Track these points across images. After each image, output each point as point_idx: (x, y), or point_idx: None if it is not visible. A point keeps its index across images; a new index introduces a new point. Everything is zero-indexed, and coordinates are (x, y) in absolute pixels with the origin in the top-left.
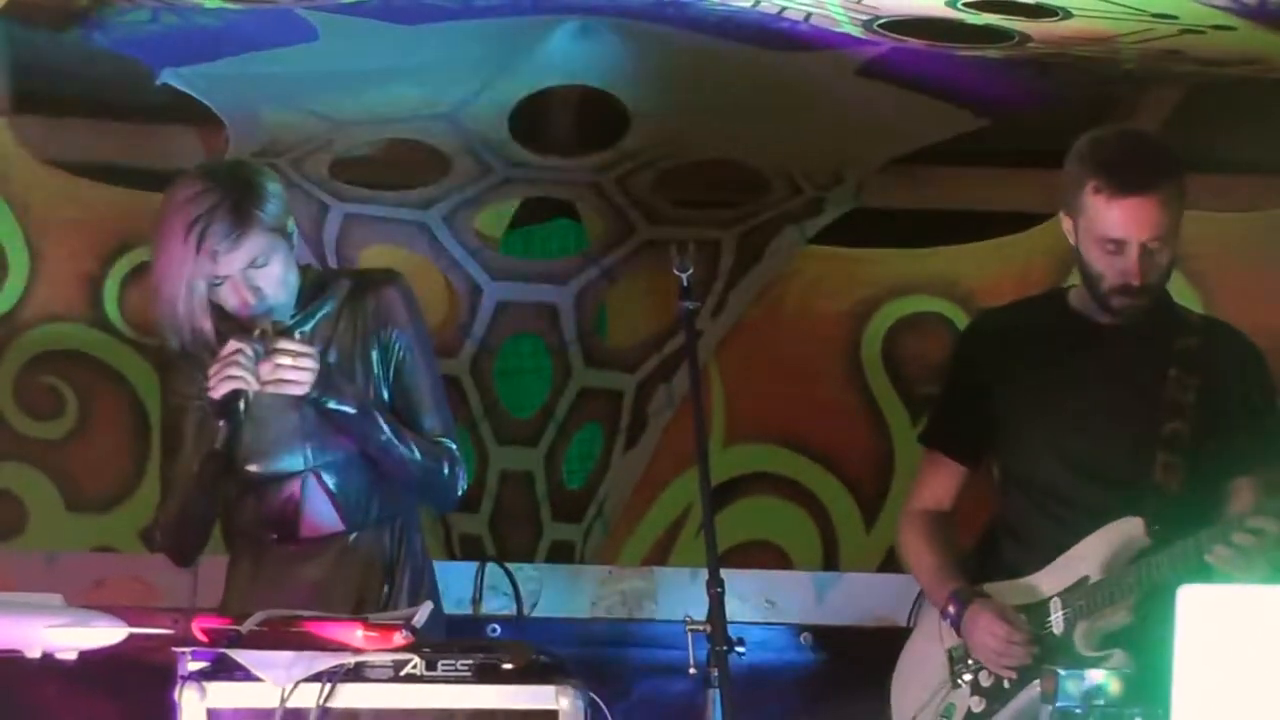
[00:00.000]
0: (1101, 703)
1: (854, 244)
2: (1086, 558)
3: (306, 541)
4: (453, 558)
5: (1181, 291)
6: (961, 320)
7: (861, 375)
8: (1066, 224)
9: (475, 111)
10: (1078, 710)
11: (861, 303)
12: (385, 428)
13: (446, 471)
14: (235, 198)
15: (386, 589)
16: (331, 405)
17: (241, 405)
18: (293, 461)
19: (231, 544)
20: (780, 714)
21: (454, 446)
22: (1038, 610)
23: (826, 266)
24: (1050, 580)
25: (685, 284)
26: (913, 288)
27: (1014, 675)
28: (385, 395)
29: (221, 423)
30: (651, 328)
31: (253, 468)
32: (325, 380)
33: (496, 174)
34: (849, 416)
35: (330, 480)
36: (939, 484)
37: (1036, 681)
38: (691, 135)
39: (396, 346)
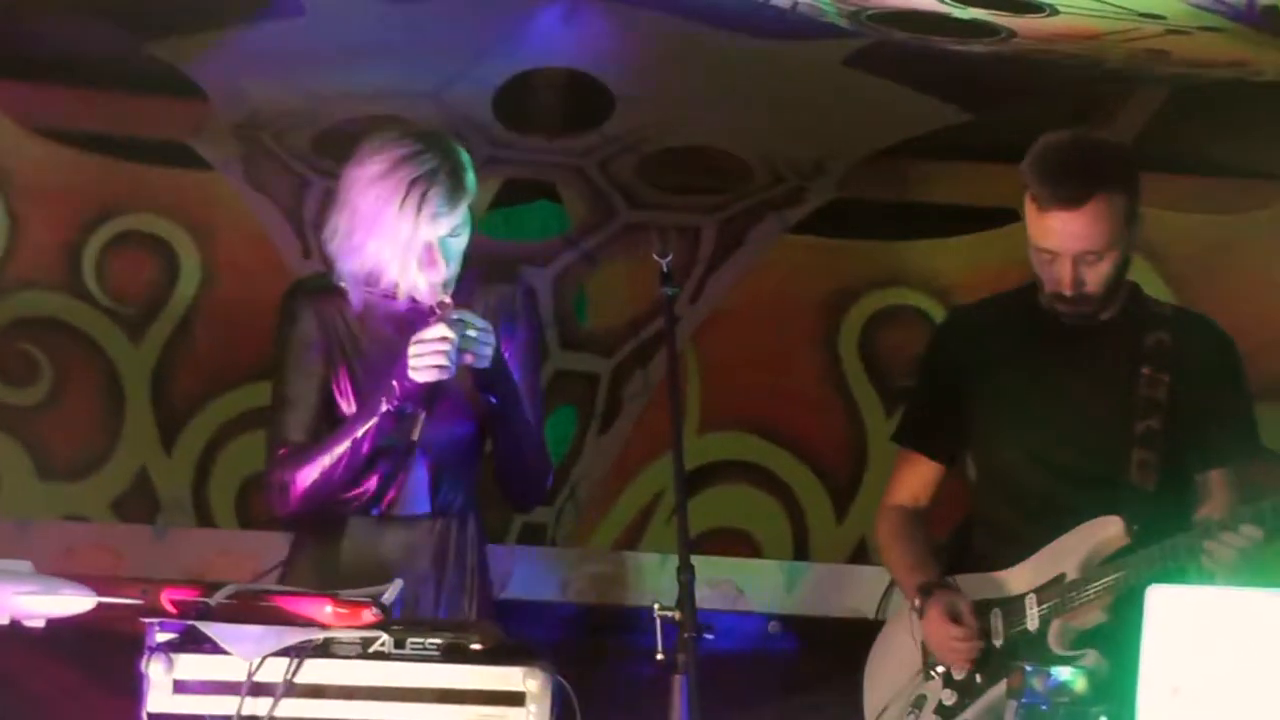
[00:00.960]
0: (1067, 700)
1: (834, 234)
2: (1064, 555)
3: (393, 519)
4: None
5: (1159, 292)
6: (939, 314)
7: (838, 366)
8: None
9: (459, 91)
10: (1043, 707)
11: (840, 294)
12: (518, 421)
13: (547, 465)
14: (453, 164)
15: (455, 580)
16: (487, 392)
17: (438, 395)
18: (407, 438)
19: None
20: (747, 702)
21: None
22: (1013, 606)
23: (806, 256)
24: (1027, 576)
25: (665, 269)
26: (891, 280)
27: (961, 671)
28: None
29: (422, 411)
30: (629, 312)
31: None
32: (498, 358)
33: (479, 154)
34: (824, 407)
35: (435, 462)
36: (914, 481)
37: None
38: (675, 120)
39: (515, 339)
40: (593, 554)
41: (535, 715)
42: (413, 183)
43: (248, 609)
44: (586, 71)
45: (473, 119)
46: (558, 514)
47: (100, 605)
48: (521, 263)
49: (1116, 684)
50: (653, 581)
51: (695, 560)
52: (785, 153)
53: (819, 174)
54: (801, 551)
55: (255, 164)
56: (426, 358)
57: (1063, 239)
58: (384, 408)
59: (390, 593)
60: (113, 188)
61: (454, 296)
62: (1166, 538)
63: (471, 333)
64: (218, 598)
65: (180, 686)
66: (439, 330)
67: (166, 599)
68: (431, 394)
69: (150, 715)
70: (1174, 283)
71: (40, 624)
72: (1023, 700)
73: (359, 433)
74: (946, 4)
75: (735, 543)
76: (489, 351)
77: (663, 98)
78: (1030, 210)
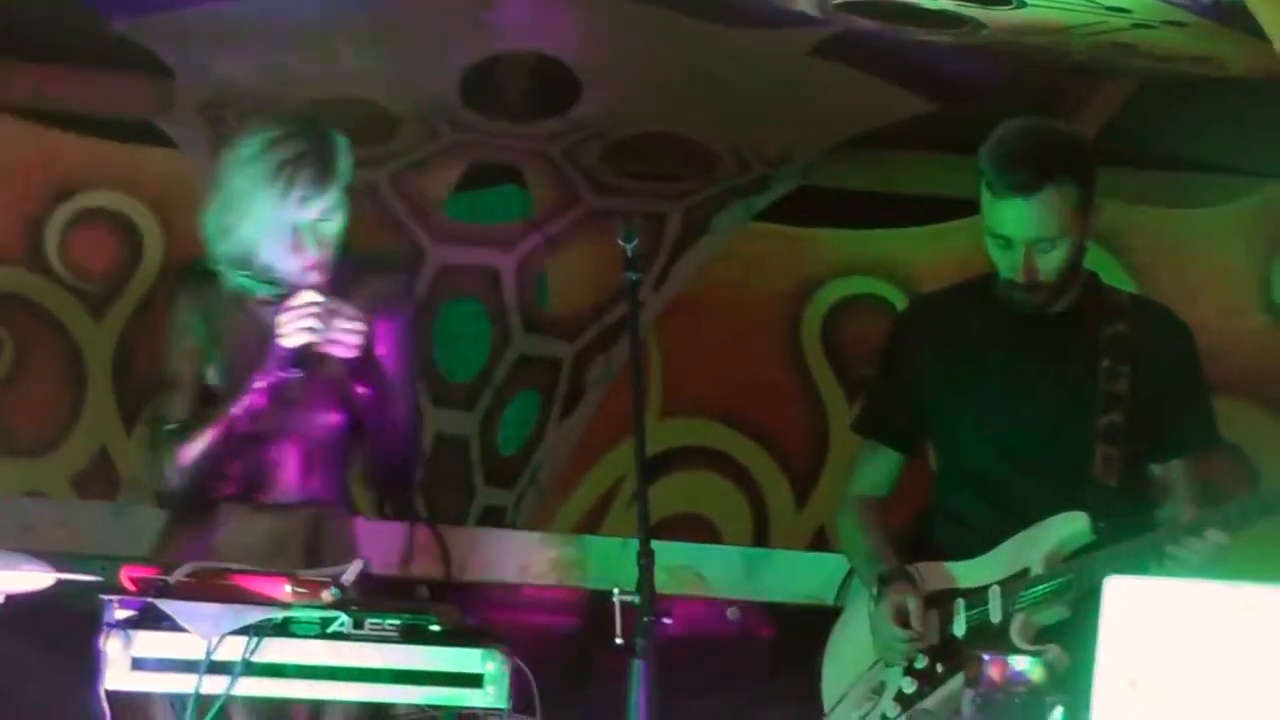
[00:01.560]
0: (1023, 689)
1: (799, 223)
2: (1029, 549)
3: (265, 507)
4: (384, 517)
5: (1121, 285)
6: (902, 303)
7: (800, 354)
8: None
9: (426, 73)
10: (998, 696)
11: (803, 282)
12: (392, 410)
13: (415, 460)
14: (322, 149)
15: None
16: (356, 378)
17: (311, 361)
18: (278, 424)
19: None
20: (705, 687)
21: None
22: (976, 597)
23: (770, 244)
24: (991, 568)
25: (629, 255)
26: (855, 269)
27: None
28: None
29: (296, 371)
30: (592, 298)
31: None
32: (366, 349)
33: (445, 137)
34: (786, 395)
35: (306, 449)
36: (875, 471)
37: None
38: (642, 107)
39: (391, 329)
40: (553, 538)
41: (493, 697)
42: (280, 166)
43: (207, 587)
44: (554, 56)
45: (439, 101)
46: (519, 497)
47: (59, 581)
48: (485, 245)
49: (1076, 677)
50: (613, 566)
51: (655, 545)
52: (751, 141)
53: (785, 162)
54: (761, 538)
55: (220, 144)
56: (295, 322)
57: (1016, 226)
58: (258, 383)
59: (350, 573)
60: (77, 164)
61: (335, 284)
62: (1130, 533)
63: (341, 323)
64: (177, 575)
65: (138, 664)
66: (307, 295)
67: (125, 576)
68: (303, 359)
69: (108, 693)
70: (1136, 275)
71: None
72: (979, 689)
73: (236, 409)
74: None
75: (695, 528)
76: (357, 342)
77: (630, 83)
78: (985, 197)
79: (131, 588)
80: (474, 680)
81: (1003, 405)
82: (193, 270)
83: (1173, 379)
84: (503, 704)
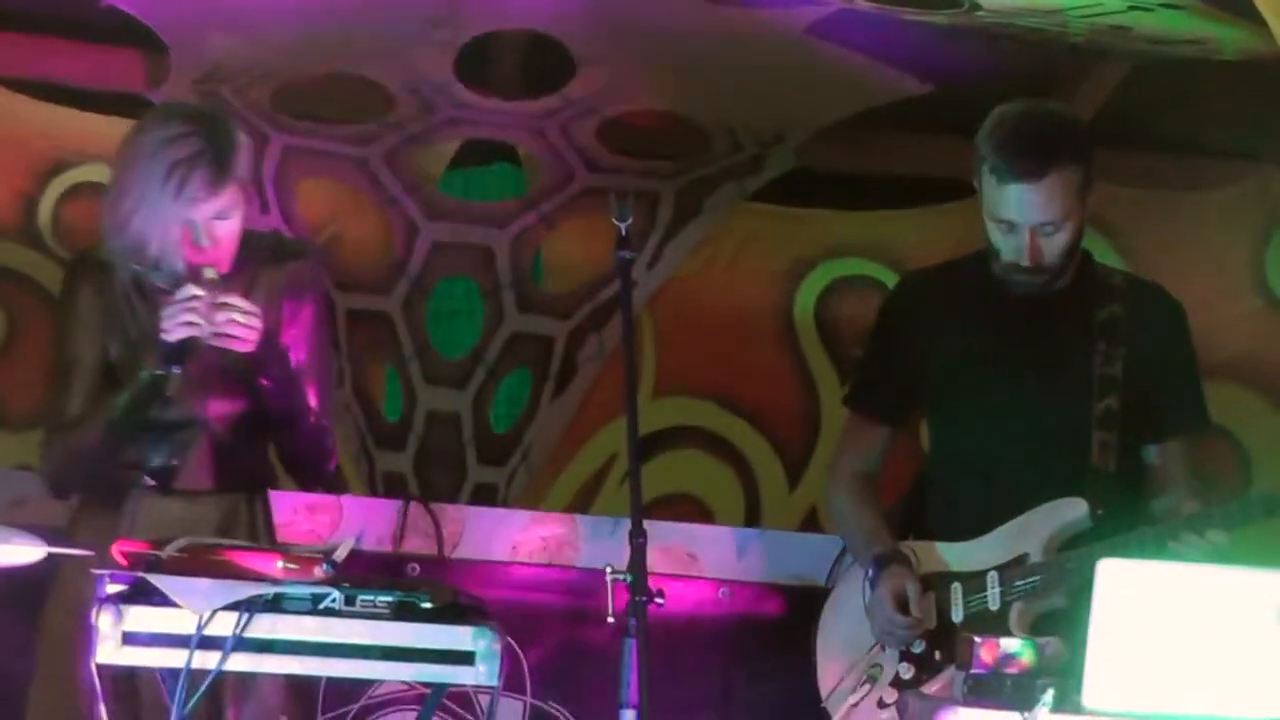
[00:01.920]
0: (1015, 671)
1: (792, 203)
2: (1027, 535)
3: (176, 493)
4: (375, 494)
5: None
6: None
7: (793, 334)
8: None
9: (422, 50)
10: (989, 678)
11: (796, 262)
12: (295, 398)
13: (326, 451)
14: (218, 148)
15: None
16: (259, 370)
17: (193, 354)
18: (186, 412)
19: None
20: (697, 667)
21: (332, 429)
22: (974, 582)
23: (763, 224)
24: (989, 552)
25: (623, 233)
26: (848, 250)
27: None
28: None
29: (175, 368)
30: (586, 276)
31: (154, 413)
32: (265, 342)
33: (439, 113)
34: (778, 375)
35: (215, 437)
36: (865, 445)
37: None
38: (636, 85)
39: (301, 318)
40: (545, 516)
41: (484, 675)
42: (174, 165)
43: (198, 562)
44: (549, 34)
45: (434, 78)
46: (510, 475)
47: (50, 556)
48: (479, 223)
49: (1072, 664)
50: (604, 545)
51: (647, 525)
52: (745, 120)
53: (778, 142)
54: (753, 518)
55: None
56: (178, 316)
57: (1022, 211)
58: (143, 374)
59: (343, 550)
60: (70, 138)
61: (239, 276)
62: (1127, 521)
63: (237, 316)
64: (168, 550)
65: (129, 638)
66: (189, 290)
67: (117, 551)
68: (184, 354)
69: (99, 667)
70: (1127, 258)
71: None
72: (971, 671)
73: (120, 400)
74: None
75: (688, 508)
76: (253, 336)
77: (624, 62)
78: (988, 182)
79: (123, 562)
80: (465, 658)
81: (998, 384)
82: (89, 260)
83: (1165, 359)
84: (493, 681)
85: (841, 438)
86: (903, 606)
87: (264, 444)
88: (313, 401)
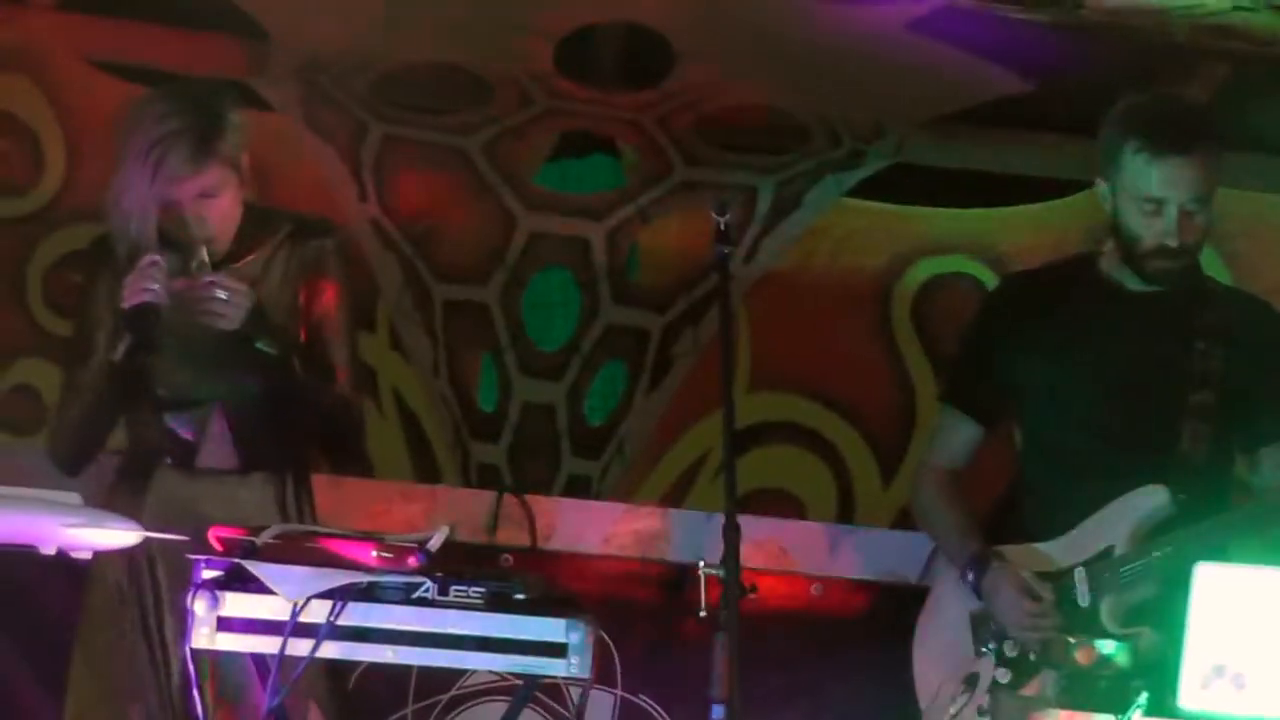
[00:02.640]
0: (1109, 673)
1: (891, 199)
2: (1110, 527)
3: (201, 472)
4: (469, 485)
5: (1215, 269)
6: (993, 283)
7: (889, 331)
8: (1101, 189)
9: (521, 39)
10: (1083, 679)
11: (894, 258)
12: (299, 374)
13: (350, 429)
14: (199, 127)
15: None
16: (258, 344)
17: (151, 320)
18: (201, 391)
19: (127, 461)
20: (787, 662)
21: (360, 407)
22: (1063, 581)
23: (862, 220)
24: (1074, 548)
25: (722, 228)
26: (947, 247)
27: (1038, 644)
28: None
29: (127, 335)
30: (682, 270)
31: (162, 391)
32: (255, 318)
33: (538, 104)
34: (874, 371)
35: (234, 416)
36: (955, 442)
37: None
38: (736, 79)
39: (322, 298)
40: (638, 509)
41: (576, 667)
42: (151, 145)
43: (293, 549)
44: (649, 26)
45: (534, 69)
46: (604, 468)
47: (147, 540)
48: (576, 215)
49: (1166, 659)
50: (697, 539)
51: (740, 519)
52: (845, 115)
53: (878, 138)
54: (846, 514)
55: (315, 106)
56: (134, 284)
57: (1175, 184)
58: (118, 349)
59: (437, 539)
60: None
61: (256, 253)
62: (1211, 507)
63: (219, 293)
64: (264, 537)
65: (224, 624)
66: (148, 258)
67: (213, 536)
68: (143, 321)
69: (193, 651)
70: (1229, 260)
71: (87, 556)
72: (1064, 672)
73: (89, 373)
74: None
75: (781, 503)
76: (238, 314)
77: (724, 55)
78: (1135, 164)
79: (219, 548)
80: (557, 650)
81: (1097, 385)
82: (107, 244)
83: (1269, 370)
84: (585, 674)
85: (934, 433)
86: (1032, 594)
87: (289, 424)
88: (339, 377)
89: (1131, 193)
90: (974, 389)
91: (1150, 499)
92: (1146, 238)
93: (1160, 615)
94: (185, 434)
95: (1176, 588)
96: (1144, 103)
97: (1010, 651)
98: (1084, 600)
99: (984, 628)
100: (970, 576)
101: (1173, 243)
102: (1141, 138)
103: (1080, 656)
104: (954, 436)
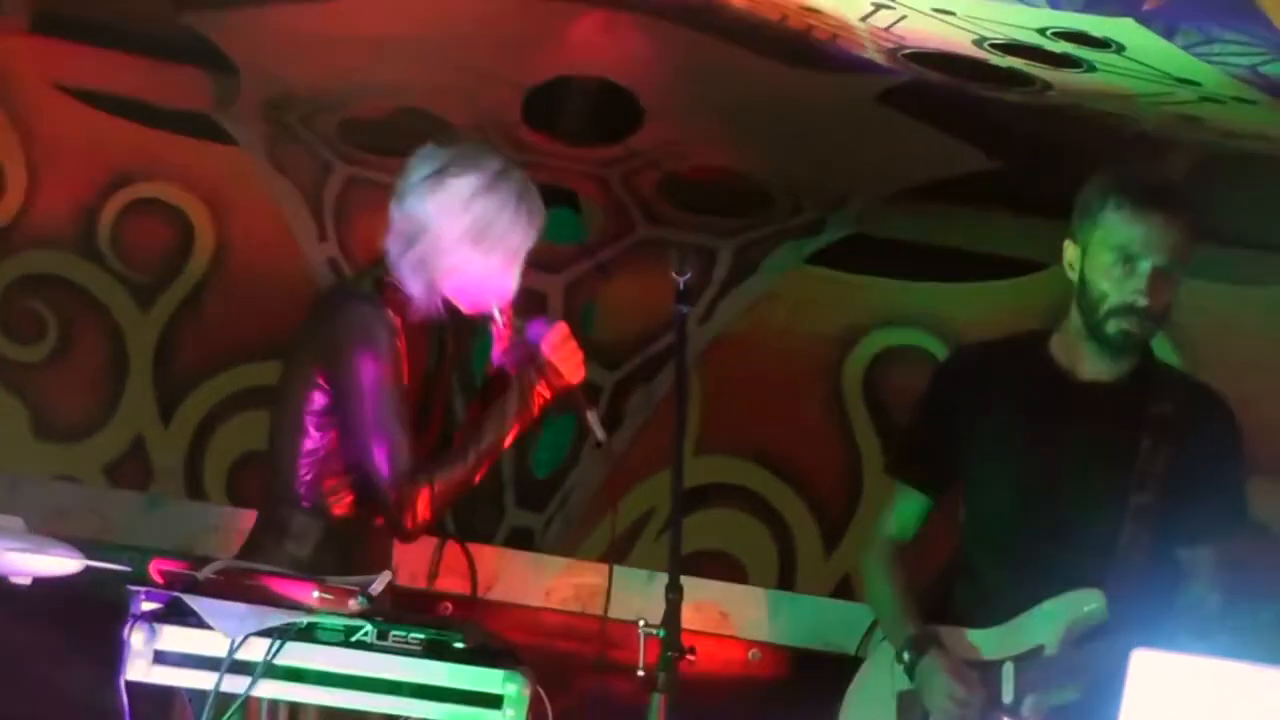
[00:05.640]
0: None
1: (849, 269)
2: (1043, 625)
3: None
4: None
5: (1167, 356)
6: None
7: (840, 400)
8: (1070, 253)
9: (490, 90)
10: None
11: (849, 328)
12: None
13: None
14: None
15: None
16: None
17: None
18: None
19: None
20: None
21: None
22: (990, 672)
23: (819, 288)
24: (1005, 642)
25: (682, 288)
26: (902, 319)
27: None
28: None
29: (592, 413)
30: (637, 327)
31: None
32: None
33: (504, 154)
34: (823, 440)
35: None
36: (903, 514)
37: None
38: (702, 140)
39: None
40: (580, 564)
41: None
42: (521, 198)
43: (234, 586)
44: (619, 83)
45: (500, 119)
46: (547, 521)
47: (88, 569)
48: (535, 267)
49: None
50: (638, 598)
51: (682, 580)
52: (809, 183)
53: (840, 207)
54: (787, 581)
55: (279, 144)
56: (575, 358)
57: (1153, 242)
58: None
59: (378, 583)
60: (134, 153)
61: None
62: (1149, 612)
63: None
64: (205, 572)
65: (160, 657)
66: (566, 327)
67: (154, 569)
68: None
69: (128, 683)
70: (1183, 349)
71: (26, 582)
72: None
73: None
74: (984, 50)
75: (723, 566)
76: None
77: (692, 117)
78: (1114, 219)
79: (159, 580)
80: (493, 701)
81: (1035, 472)
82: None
83: (1213, 467)
84: None
85: (884, 504)
86: (964, 684)
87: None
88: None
89: (1106, 248)
90: (919, 461)
91: (1085, 603)
92: (1114, 296)
93: (1081, 714)
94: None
95: (1101, 690)
96: (1128, 168)
97: None
98: (1008, 696)
99: (911, 710)
100: (906, 658)
101: (1142, 301)
102: (1124, 194)
103: None
104: (902, 508)
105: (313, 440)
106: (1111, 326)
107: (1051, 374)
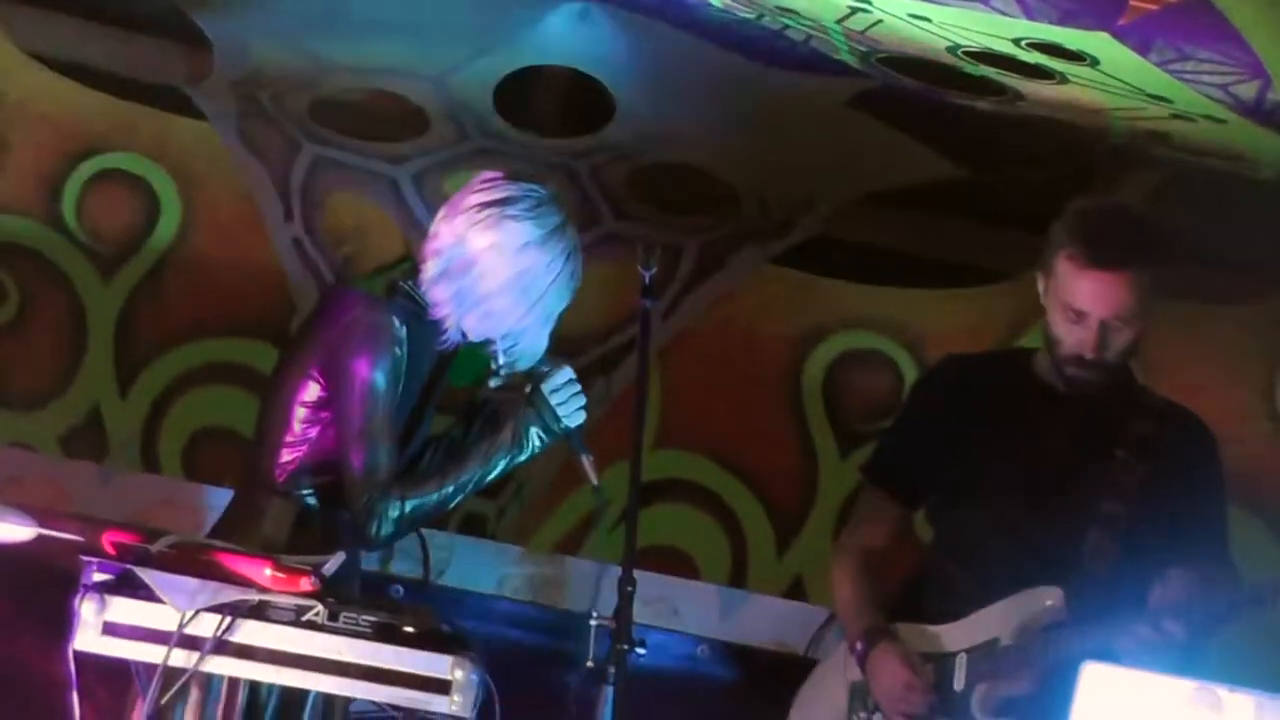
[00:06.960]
0: None
1: (813, 270)
2: (1000, 620)
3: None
4: None
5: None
6: (906, 363)
7: (799, 401)
8: (1041, 283)
9: (463, 77)
10: None
11: (810, 329)
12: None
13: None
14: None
15: None
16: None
17: None
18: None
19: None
20: None
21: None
22: (943, 663)
23: (782, 288)
24: (962, 635)
25: (647, 282)
26: (863, 323)
27: None
28: None
29: (587, 459)
30: (598, 320)
31: None
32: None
33: (472, 141)
34: (779, 440)
35: None
36: (875, 520)
37: None
38: (672, 137)
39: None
40: (534, 554)
41: (458, 706)
42: (566, 248)
43: (187, 560)
44: (591, 75)
45: (471, 106)
46: (501, 509)
47: (40, 537)
48: None
49: None
50: (590, 589)
51: (635, 574)
52: (776, 184)
53: (807, 209)
54: (739, 579)
55: (250, 122)
56: (576, 401)
57: (1098, 301)
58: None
59: (331, 564)
60: (103, 123)
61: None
62: (1107, 615)
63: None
64: (158, 545)
65: (110, 628)
66: (570, 370)
67: (107, 540)
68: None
69: (76, 653)
70: (1141, 364)
71: None
72: None
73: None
74: (957, 58)
75: (675, 562)
76: None
77: (663, 113)
78: (1065, 269)
79: (111, 552)
80: (442, 685)
81: (1015, 483)
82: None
83: (1188, 490)
84: (467, 713)
85: (855, 510)
86: (914, 668)
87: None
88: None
89: (1059, 297)
90: (897, 469)
91: (1044, 600)
92: (1066, 343)
93: (1031, 710)
94: None
95: (1052, 685)
96: (1092, 209)
97: None
98: (959, 685)
99: (859, 699)
100: (859, 648)
101: (1089, 355)
102: (1076, 246)
103: None
104: (873, 515)
105: (299, 429)
106: (1067, 371)
107: (1034, 387)
